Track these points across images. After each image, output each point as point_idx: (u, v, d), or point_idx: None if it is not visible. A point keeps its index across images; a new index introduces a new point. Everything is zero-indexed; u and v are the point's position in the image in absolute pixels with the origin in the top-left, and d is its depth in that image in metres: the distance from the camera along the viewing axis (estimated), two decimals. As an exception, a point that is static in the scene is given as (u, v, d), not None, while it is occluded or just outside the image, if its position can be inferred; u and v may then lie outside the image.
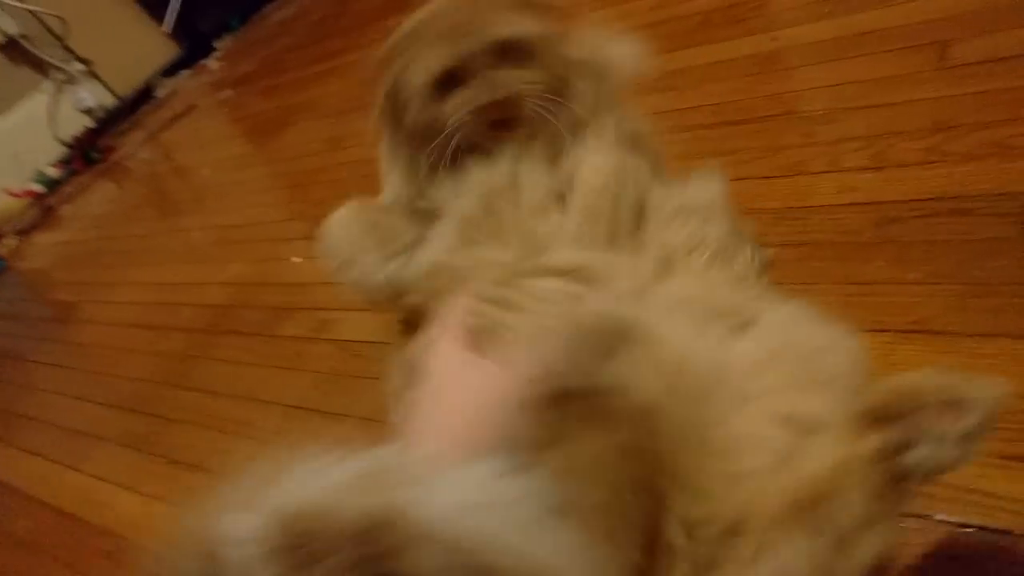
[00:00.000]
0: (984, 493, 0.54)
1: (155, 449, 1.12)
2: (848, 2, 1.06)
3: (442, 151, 0.57)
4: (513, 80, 0.55)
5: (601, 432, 0.37)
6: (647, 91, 0.60)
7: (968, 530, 0.53)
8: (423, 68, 0.57)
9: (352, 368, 1.05)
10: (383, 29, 1.77)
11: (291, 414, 1.03)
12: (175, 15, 3.35)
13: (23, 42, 2.98)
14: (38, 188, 3.01)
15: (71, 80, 3.16)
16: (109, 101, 3.26)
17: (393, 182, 0.61)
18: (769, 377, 0.45)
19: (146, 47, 3.39)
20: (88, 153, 3.04)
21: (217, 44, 3.45)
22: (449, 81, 0.56)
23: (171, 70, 3.45)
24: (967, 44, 0.88)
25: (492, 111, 0.55)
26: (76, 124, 3.15)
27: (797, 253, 0.79)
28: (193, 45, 3.46)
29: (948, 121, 0.81)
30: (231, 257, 1.59)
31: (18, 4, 2.93)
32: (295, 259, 1.41)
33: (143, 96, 3.38)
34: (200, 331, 1.36)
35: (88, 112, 3.17)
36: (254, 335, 1.26)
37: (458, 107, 0.56)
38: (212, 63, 3.33)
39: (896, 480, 0.38)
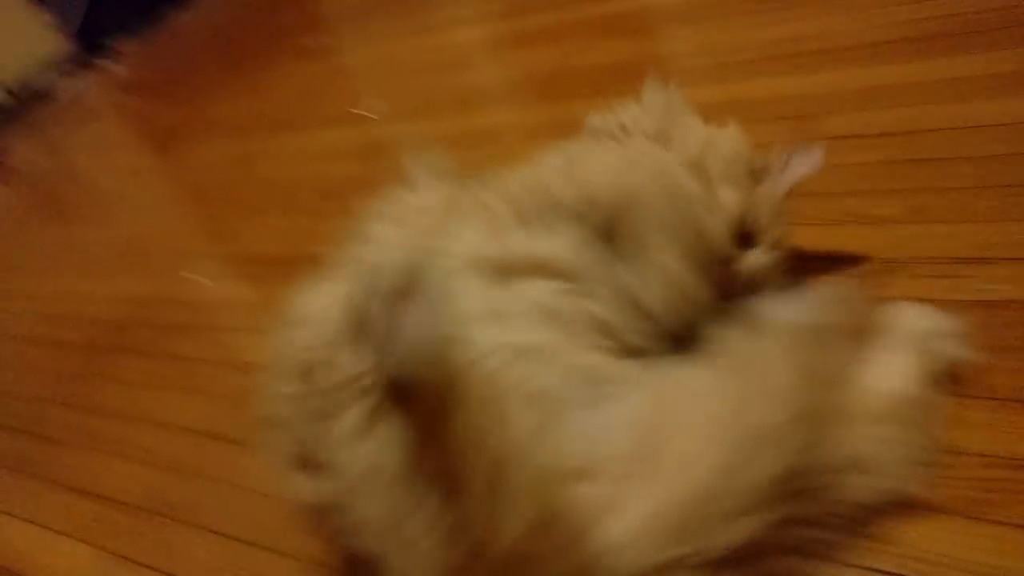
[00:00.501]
0: (901, 543, 0.57)
1: (47, 474, 1.08)
2: (741, 70, 1.18)
3: None
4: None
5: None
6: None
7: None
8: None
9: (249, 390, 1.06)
10: (297, 47, 1.81)
11: (187, 437, 1.03)
12: (80, 16, 3.23)
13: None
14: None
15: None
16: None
17: None
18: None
19: (37, 43, 3.23)
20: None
21: (118, 47, 3.33)
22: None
23: (71, 71, 3.30)
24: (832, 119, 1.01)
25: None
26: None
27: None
28: (94, 46, 3.33)
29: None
30: (128, 270, 1.56)
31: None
32: (194, 276, 1.40)
33: (38, 96, 3.22)
34: (95, 348, 1.33)
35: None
36: (149, 355, 1.24)
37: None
38: (114, 67, 3.22)
39: None
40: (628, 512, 0.49)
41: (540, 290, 0.60)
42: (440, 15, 2.06)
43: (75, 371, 1.29)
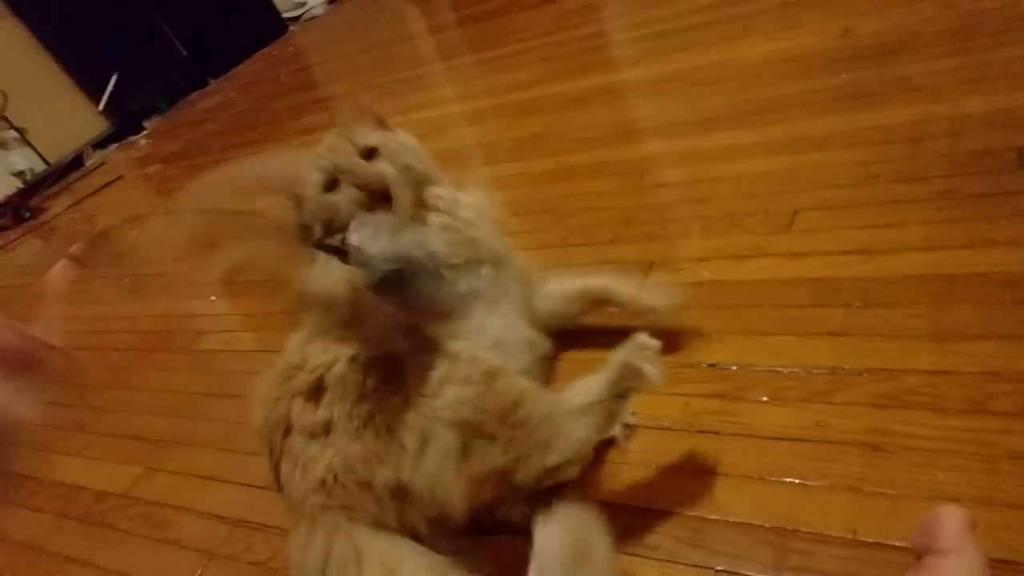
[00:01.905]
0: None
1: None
2: (592, 144, 1.65)
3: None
4: (374, 171, 0.89)
5: None
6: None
7: None
8: (312, 184, 0.90)
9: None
10: (298, 126, 2.42)
11: (193, 399, 1.45)
12: (108, 95, 3.76)
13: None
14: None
15: (4, 145, 3.50)
16: (40, 167, 3.60)
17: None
18: None
19: (79, 121, 3.77)
20: (19, 211, 3.35)
21: (146, 123, 3.86)
22: (332, 184, 0.89)
23: (101, 143, 3.82)
24: (653, 175, 1.46)
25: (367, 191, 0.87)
26: (9, 185, 3.47)
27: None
28: (123, 122, 3.86)
29: (631, 219, 1.36)
30: (155, 297, 2.01)
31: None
32: (212, 298, 1.84)
33: (74, 164, 3.73)
34: (139, 349, 1.77)
35: (19, 175, 3.50)
36: (184, 350, 1.67)
37: (345, 193, 0.87)
38: (140, 140, 3.74)
39: None
40: None
41: None
42: (430, 95, 2.55)
43: (124, 364, 1.72)
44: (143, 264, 2.28)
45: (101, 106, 3.73)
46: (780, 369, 0.92)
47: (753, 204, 1.23)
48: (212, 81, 4.31)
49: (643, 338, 0.83)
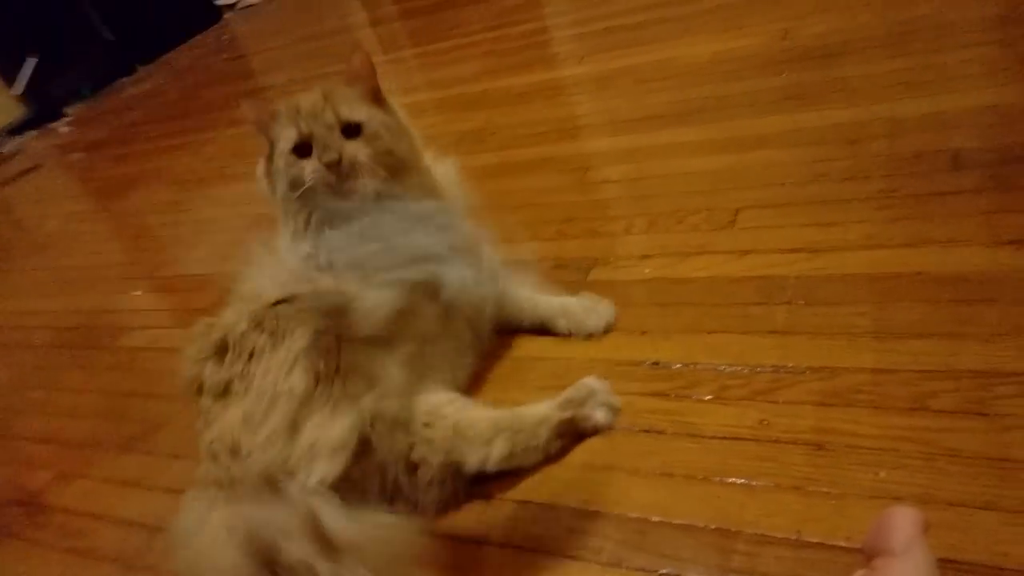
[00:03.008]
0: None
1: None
2: (535, 140, 1.62)
3: (306, 199, 0.88)
4: (349, 147, 0.87)
5: None
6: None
7: None
8: (285, 139, 0.89)
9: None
10: (231, 116, 2.32)
11: (120, 398, 1.36)
12: (26, 79, 3.56)
13: None
14: None
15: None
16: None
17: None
18: None
19: (-7, 106, 3.55)
20: (-76, 199, 3.13)
21: (68, 110, 3.67)
22: (303, 147, 0.88)
23: (17, 129, 3.61)
24: (596, 171, 1.45)
25: (335, 167, 0.86)
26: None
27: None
28: (43, 108, 3.65)
29: (574, 216, 1.34)
30: (79, 291, 1.89)
31: None
32: (135, 293, 1.74)
33: (-13, 152, 3.52)
34: (58, 345, 1.66)
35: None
36: (103, 348, 1.57)
37: (310, 165, 0.87)
38: (61, 127, 3.54)
39: None
40: None
41: None
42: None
43: (42, 363, 1.61)
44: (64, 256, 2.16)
45: (17, 90, 3.51)
46: (724, 367, 0.90)
47: (696, 201, 1.22)
48: (141, 67, 4.12)
49: (593, 383, 0.89)
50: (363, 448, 0.81)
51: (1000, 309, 0.83)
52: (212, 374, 0.87)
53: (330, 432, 0.78)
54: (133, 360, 1.49)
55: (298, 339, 0.83)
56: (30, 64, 3.52)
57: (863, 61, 1.40)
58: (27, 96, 3.63)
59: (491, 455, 0.84)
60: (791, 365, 0.87)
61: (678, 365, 0.94)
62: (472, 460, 0.84)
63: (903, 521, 0.44)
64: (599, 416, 0.87)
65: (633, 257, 1.17)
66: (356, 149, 0.88)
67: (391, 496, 0.84)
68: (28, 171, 3.15)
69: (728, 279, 1.04)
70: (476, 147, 1.74)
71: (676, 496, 0.78)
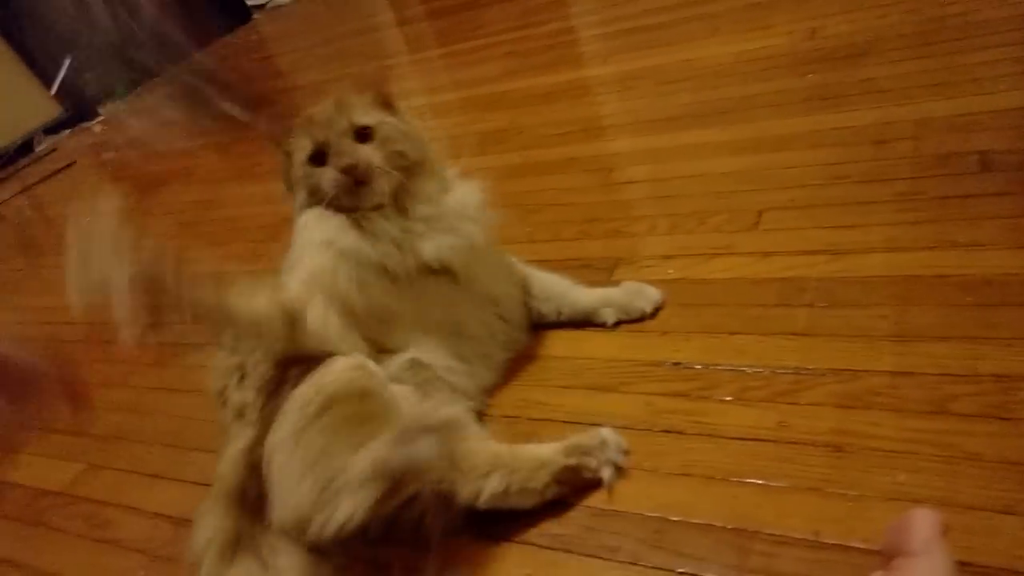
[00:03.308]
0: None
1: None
2: (561, 140, 1.63)
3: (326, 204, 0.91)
4: (363, 151, 0.90)
5: None
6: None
7: None
8: (300, 149, 0.92)
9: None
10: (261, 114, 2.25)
11: (147, 392, 1.40)
12: (61, 79, 3.64)
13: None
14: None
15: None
16: (-12, 151, 3.47)
17: None
18: None
19: (30, 105, 3.63)
20: (-36, 197, 3.22)
21: (101, 109, 3.74)
22: (319, 156, 0.91)
23: (53, 129, 3.69)
24: (620, 172, 1.45)
25: (351, 171, 0.89)
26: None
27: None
28: (77, 108, 3.73)
29: (597, 216, 1.35)
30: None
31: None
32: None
33: (22, 150, 3.60)
34: (79, 342, 1.70)
35: (-35, 160, 3.37)
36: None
37: (328, 174, 0.89)
38: (95, 126, 3.62)
39: None
40: None
41: None
42: (396, 87, 2.50)
43: (71, 358, 1.65)
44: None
45: (53, 90, 3.60)
46: (745, 369, 0.91)
47: (719, 203, 1.22)
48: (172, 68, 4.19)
49: (607, 434, 0.84)
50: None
51: (1022, 313, 0.83)
52: (233, 394, 0.91)
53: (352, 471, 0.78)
54: (160, 355, 1.52)
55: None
56: (66, 64, 3.60)
57: (890, 61, 1.39)
58: (62, 96, 3.71)
59: (483, 491, 0.80)
60: (811, 367, 0.87)
61: (699, 366, 0.94)
62: (463, 493, 0.81)
63: (923, 522, 0.45)
64: (605, 473, 0.82)
65: (656, 257, 1.17)
66: (369, 152, 0.90)
67: (389, 524, 0.82)
68: (61, 170, 3.22)
69: (750, 280, 1.04)
70: (500, 147, 1.75)
71: (695, 496, 0.79)
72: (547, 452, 0.83)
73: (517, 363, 1.06)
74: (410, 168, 0.93)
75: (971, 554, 0.64)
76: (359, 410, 0.82)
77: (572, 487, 0.83)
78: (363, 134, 0.92)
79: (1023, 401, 0.74)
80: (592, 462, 0.82)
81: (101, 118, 3.69)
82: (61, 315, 1.89)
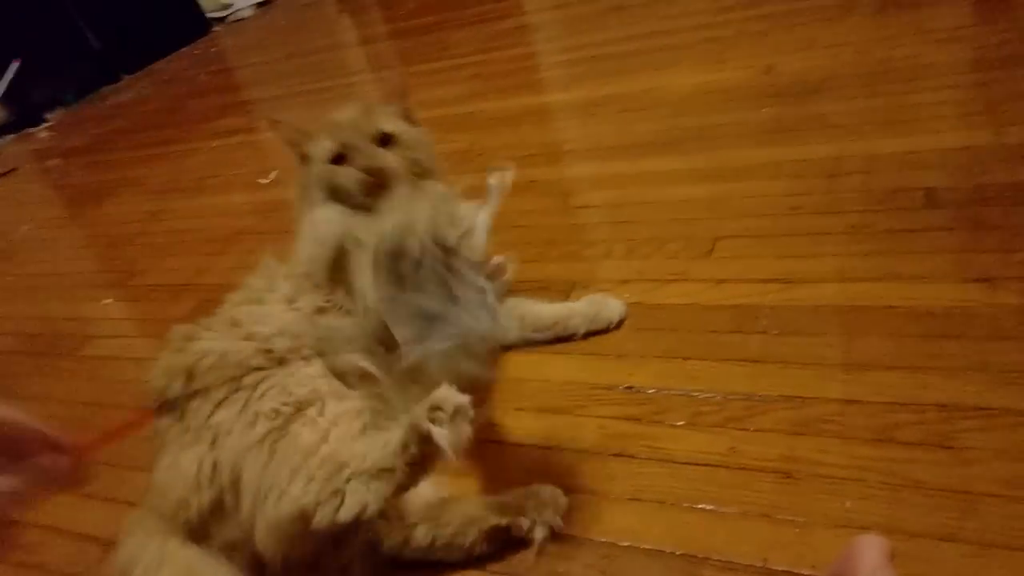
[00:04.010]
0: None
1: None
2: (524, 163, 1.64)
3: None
4: (383, 157, 0.90)
5: None
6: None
7: None
8: (322, 150, 0.93)
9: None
10: (215, 127, 2.29)
11: (86, 407, 1.34)
12: (7, 83, 3.52)
13: None
14: None
15: None
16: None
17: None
18: None
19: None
20: None
21: (49, 115, 3.63)
22: (340, 158, 0.91)
23: (-2, 133, 3.57)
24: (579, 196, 1.46)
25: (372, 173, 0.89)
26: None
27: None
28: (23, 113, 3.62)
29: (555, 239, 1.35)
30: (44, 298, 1.86)
31: None
32: (105, 301, 1.71)
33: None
34: (26, 352, 1.62)
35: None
36: (68, 356, 1.54)
37: (351, 173, 0.90)
38: (40, 132, 3.51)
39: None
40: None
41: None
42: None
43: (2, 370, 1.57)
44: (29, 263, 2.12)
45: (-1, 93, 3.49)
46: (697, 394, 0.91)
47: (676, 229, 1.23)
48: (126, 76, 4.10)
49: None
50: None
51: (966, 344, 0.85)
52: (174, 394, 0.86)
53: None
54: (97, 369, 1.46)
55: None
56: (13, 68, 3.49)
57: (842, 98, 1.43)
58: (8, 100, 3.59)
59: (409, 542, 0.79)
60: (763, 393, 0.87)
61: (652, 390, 0.94)
62: (388, 542, 0.79)
63: (870, 549, 0.44)
64: (537, 534, 0.79)
65: (612, 282, 1.17)
66: (391, 158, 0.92)
67: (311, 565, 0.79)
68: (3, 175, 3.11)
69: (704, 307, 1.05)
70: (461, 167, 1.73)
71: (645, 521, 0.78)
72: (479, 509, 0.81)
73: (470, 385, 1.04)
74: (422, 175, 0.95)
75: (916, 582, 0.64)
76: (346, 408, 0.80)
77: (500, 545, 0.80)
78: (385, 140, 0.94)
79: (964, 430, 0.76)
80: (524, 523, 0.79)
81: (48, 124, 3.58)
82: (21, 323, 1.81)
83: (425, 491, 0.82)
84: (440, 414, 0.68)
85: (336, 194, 0.93)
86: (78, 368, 1.49)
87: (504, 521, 0.79)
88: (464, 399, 0.69)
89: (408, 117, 1.00)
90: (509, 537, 0.80)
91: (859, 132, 1.30)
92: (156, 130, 3.01)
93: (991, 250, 0.97)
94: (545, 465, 0.88)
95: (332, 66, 3.07)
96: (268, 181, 2.08)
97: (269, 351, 0.85)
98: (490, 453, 0.91)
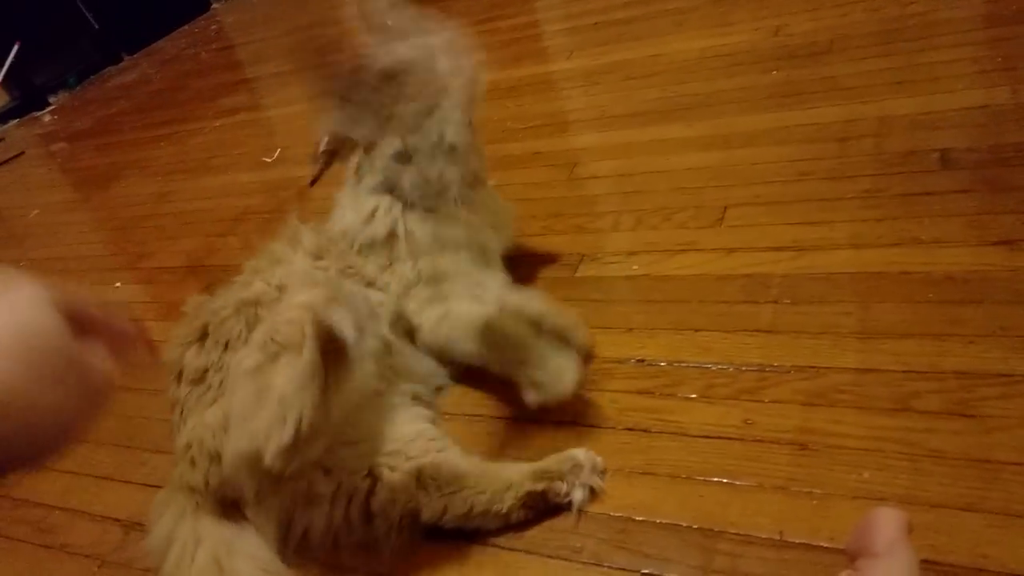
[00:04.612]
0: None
1: None
2: (529, 134, 1.61)
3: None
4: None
5: None
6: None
7: None
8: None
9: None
10: (218, 106, 2.28)
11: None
12: (8, 66, 3.51)
13: None
14: None
15: None
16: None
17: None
18: None
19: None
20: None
21: (52, 99, 3.62)
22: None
23: (0, 118, 3.56)
24: (585, 167, 1.44)
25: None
26: None
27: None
28: (26, 97, 3.60)
29: (562, 211, 1.33)
30: (56, 280, 1.86)
31: None
32: (117, 284, 1.72)
33: (-32, 140, 3.46)
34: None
35: (-95, 148, 3.22)
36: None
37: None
38: (44, 116, 3.50)
39: None
40: None
41: None
42: None
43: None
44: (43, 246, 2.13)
45: (0, 77, 3.47)
46: (710, 366, 0.90)
47: (684, 199, 1.21)
48: (127, 57, 4.07)
49: (581, 457, 0.80)
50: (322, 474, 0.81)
51: (985, 310, 0.83)
52: (192, 360, 0.87)
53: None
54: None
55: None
56: (13, 51, 3.47)
57: (853, 59, 1.40)
58: (10, 84, 3.57)
59: (448, 511, 0.79)
60: (776, 364, 0.86)
61: (663, 363, 0.93)
62: (427, 512, 0.80)
63: (887, 522, 0.44)
64: (576, 496, 0.79)
65: (621, 253, 1.16)
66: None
67: (336, 533, 0.81)
68: (10, 160, 3.11)
69: (715, 277, 1.03)
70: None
71: (659, 495, 0.78)
72: (515, 475, 0.80)
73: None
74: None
75: (935, 552, 0.64)
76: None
77: (539, 511, 0.80)
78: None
79: (984, 398, 0.74)
80: (562, 487, 0.79)
81: (51, 107, 3.57)
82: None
83: (463, 461, 0.83)
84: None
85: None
86: (91, 353, 1.50)
87: (540, 487, 0.79)
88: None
89: (471, 124, 1.05)
90: (545, 503, 0.80)
91: (871, 93, 1.27)
92: (159, 111, 2.99)
93: (1010, 211, 0.94)
94: (558, 441, 0.87)
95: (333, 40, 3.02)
96: (273, 159, 2.06)
97: (281, 286, 0.88)
98: (502, 430, 0.91)
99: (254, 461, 0.72)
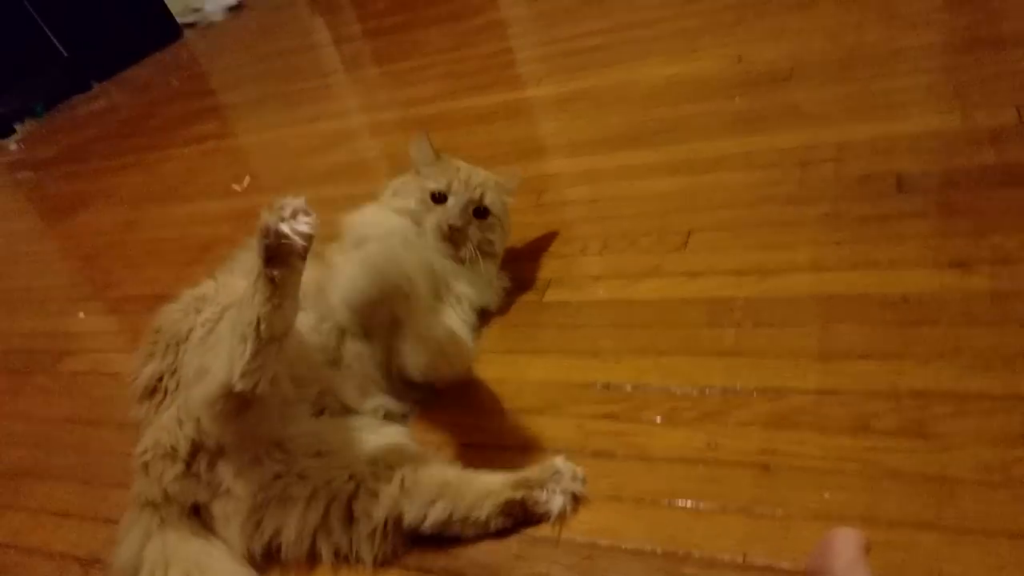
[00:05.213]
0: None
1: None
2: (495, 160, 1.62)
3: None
4: (471, 225, 1.10)
5: None
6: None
7: None
8: (431, 180, 1.12)
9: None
10: (189, 134, 2.26)
11: (60, 424, 1.32)
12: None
13: None
14: None
15: None
16: None
17: None
18: None
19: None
20: None
21: (17, 126, 3.58)
22: (439, 197, 1.10)
23: (-34, 146, 3.50)
24: (554, 192, 1.45)
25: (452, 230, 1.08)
26: None
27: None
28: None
29: (529, 236, 1.34)
30: (17, 313, 1.83)
31: None
32: (81, 314, 1.69)
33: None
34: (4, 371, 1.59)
35: None
36: (47, 372, 1.52)
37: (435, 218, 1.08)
38: (10, 144, 3.46)
39: None
40: None
41: None
42: (333, 105, 2.48)
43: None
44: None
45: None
46: (674, 389, 0.90)
47: (650, 223, 1.23)
48: (97, 84, 4.05)
49: (561, 465, 0.81)
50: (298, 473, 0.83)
51: (940, 330, 0.85)
52: (147, 372, 0.92)
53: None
54: (73, 385, 1.44)
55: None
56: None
57: (813, 86, 1.43)
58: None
59: (428, 517, 0.80)
60: (739, 387, 0.87)
61: (629, 387, 0.93)
62: (408, 518, 0.80)
63: (845, 543, 0.44)
64: (554, 504, 0.79)
65: (588, 278, 1.17)
66: (474, 228, 1.10)
67: (313, 532, 0.82)
68: (-24, 189, 3.06)
69: (679, 301, 1.04)
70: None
71: (625, 520, 0.78)
72: (494, 483, 0.81)
73: (447, 387, 1.03)
74: (489, 253, 1.13)
75: (893, 570, 0.64)
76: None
77: (518, 520, 0.80)
78: (481, 212, 1.11)
79: (940, 416, 0.76)
80: (541, 495, 0.79)
81: (17, 135, 3.53)
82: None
83: (445, 468, 0.84)
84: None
85: (417, 221, 1.09)
86: (54, 384, 1.47)
87: (519, 495, 0.80)
88: (300, 201, 0.70)
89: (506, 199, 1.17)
90: (524, 512, 0.80)
91: (830, 119, 1.30)
92: (128, 138, 2.97)
93: (963, 234, 0.97)
94: (524, 466, 0.87)
95: (306, 67, 3.04)
96: (242, 188, 2.05)
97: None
98: (470, 456, 0.90)
99: (224, 398, 0.75)
